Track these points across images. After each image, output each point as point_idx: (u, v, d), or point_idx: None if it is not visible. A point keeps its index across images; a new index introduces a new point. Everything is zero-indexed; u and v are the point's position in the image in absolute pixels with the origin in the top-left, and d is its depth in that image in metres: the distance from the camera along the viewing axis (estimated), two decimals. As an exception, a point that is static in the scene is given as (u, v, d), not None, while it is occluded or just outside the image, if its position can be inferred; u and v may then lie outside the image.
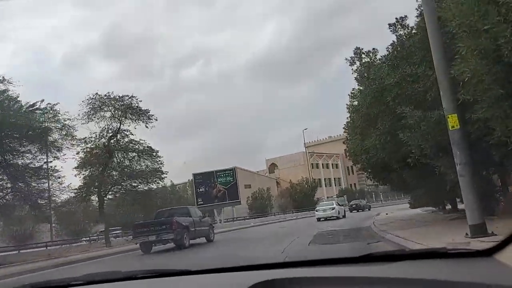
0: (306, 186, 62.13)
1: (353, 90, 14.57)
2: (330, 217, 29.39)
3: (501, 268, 1.41)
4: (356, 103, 14.35)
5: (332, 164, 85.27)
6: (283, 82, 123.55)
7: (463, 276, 1.41)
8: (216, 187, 44.80)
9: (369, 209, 46.32)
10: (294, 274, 1.65)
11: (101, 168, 27.33)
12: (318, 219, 29.24)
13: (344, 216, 31.11)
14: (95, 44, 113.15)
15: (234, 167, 47.41)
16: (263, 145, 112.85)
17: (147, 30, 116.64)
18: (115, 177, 27.58)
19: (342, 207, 34.82)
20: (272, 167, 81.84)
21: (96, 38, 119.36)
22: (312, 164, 78.55)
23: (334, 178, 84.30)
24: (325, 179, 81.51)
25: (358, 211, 44.10)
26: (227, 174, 45.59)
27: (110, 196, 28.62)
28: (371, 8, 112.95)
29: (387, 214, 24.85)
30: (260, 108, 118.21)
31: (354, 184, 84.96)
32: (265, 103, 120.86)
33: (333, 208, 30.47)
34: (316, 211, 31.89)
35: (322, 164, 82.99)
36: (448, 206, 18.35)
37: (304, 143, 76.85)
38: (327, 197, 73.96)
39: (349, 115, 15.21)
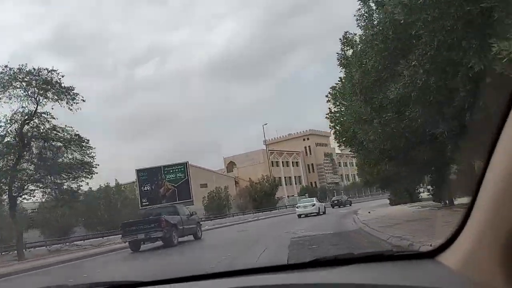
0: (267, 184, 59.87)
1: (346, 33, 10.02)
2: (311, 213, 29.80)
3: (441, 270, 1.37)
4: (351, 52, 9.88)
5: (292, 162, 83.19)
6: (241, 81, 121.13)
7: (406, 279, 1.40)
8: (164, 185, 38.93)
9: (350, 205, 47.11)
10: (236, 283, 1.57)
11: (13, 161, 21.72)
12: (299, 216, 29.67)
13: (324, 213, 31.33)
14: (46, 41, 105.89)
15: (186, 162, 41.66)
16: (221, 144, 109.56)
17: (101, 27, 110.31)
18: (29, 172, 21.83)
19: (322, 203, 34.77)
20: (231, 165, 77.90)
21: (47, 35, 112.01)
22: (272, 162, 75.33)
23: (295, 176, 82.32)
24: (285, 177, 79.22)
25: (339, 207, 44.91)
26: (177, 170, 39.71)
27: (26, 196, 22.75)
28: (329, 9, 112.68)
29: (369, 212, 20.91)
30: (218, 107, 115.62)
31: (315, 182, 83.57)
32: (223, 102, 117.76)
33: (314, 205, 30.83)
34: (297, 207, 32.17)
35: (283, 162, 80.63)
36: (457, 201, 14.25)
37: (264, 140, 73.57)
38: (288, 196, 71.07)
39: (340, 70, 10.66)
